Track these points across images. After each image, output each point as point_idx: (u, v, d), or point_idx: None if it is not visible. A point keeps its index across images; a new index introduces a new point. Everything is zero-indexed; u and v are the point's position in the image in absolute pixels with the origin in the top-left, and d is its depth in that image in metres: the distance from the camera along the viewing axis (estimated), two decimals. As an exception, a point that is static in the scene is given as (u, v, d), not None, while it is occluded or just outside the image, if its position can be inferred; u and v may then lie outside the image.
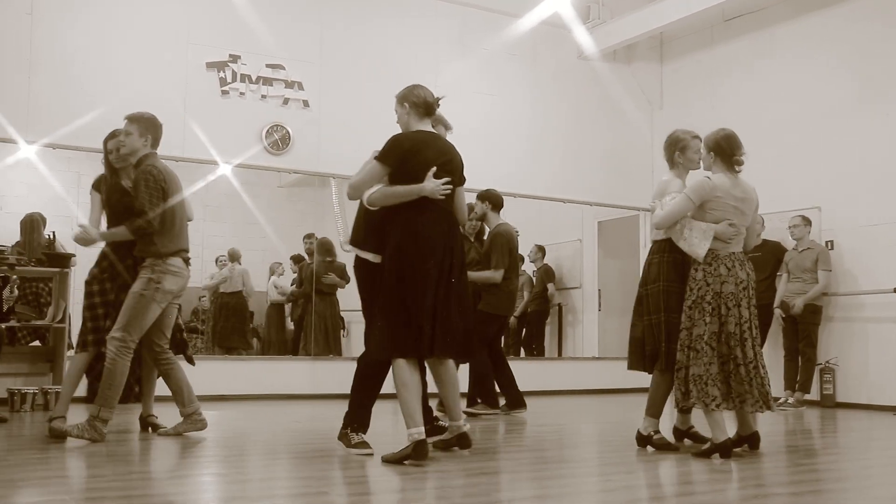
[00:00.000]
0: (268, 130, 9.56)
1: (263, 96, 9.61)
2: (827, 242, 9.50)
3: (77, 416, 5.85)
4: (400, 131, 5.16)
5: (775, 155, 10.15)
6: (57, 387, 7.59)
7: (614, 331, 12.04)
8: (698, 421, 5.74)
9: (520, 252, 8.54)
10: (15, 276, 7.11)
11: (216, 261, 12.36)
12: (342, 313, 12.74)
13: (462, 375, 8.09)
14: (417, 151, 4.94)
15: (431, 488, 4.34)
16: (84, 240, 5.75)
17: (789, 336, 9.28)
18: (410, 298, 4.78)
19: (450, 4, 10.72)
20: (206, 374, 8.99)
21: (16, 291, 7.10)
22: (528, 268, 12.48)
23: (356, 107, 9.95)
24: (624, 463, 5.09)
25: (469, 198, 8.14)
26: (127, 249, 5.74)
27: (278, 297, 12.03)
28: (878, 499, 4.28)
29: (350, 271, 11.27)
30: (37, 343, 8.28)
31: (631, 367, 5.69)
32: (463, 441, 5.12)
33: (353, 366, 5.26)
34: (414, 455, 4.70)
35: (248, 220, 12.22)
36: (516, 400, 7.85)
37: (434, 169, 4.89)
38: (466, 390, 7.83)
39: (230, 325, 11.79)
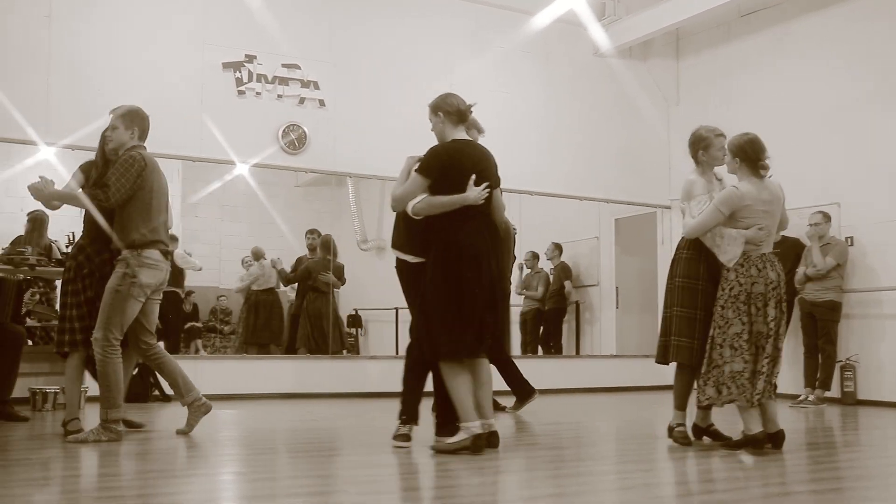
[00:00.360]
0: (284, 130, 9.57)
1: (279, 96, 9.63)
2: (847, 238, 9.44)
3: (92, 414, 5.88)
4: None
5: (794, 151, 10.08)
6: (77, 386, 7.64)
7: (632, 328, 12.02)
8: (717, 419, 5.72)
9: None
10: (40, 284, 7.15)
11: (242, 262, 12.41)
12: (360, 312, 12.78)
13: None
14: (456, 162, 5.13)
15: (449, 486, 4.34)
16: (38, 189, 5.63)
17: (809, 333, 9.23)
18: (460, 302, 4.97)
19: (464, 2, 10.70)
20: (220, 373, 9.05)
21: (37, 296, 7.15)
22: (545, 265, 12.49)
23: (372, 105, 9.96)
24: (642, 460, 5.08)
25: (513, 199, 8.15)
26: (104, 242, 5.62)
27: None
28: (899, 496, 4.25)
29: (346, 273, 11.32)
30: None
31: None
32: (493, 439, 5.19)
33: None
34: (472, 448, 4.90)
35: (265, 220, 12.28)
36: (527, 392, 7.82)
37: (474, 177, 5.07)
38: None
39: (264, 321, 11.84)
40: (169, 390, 8.41)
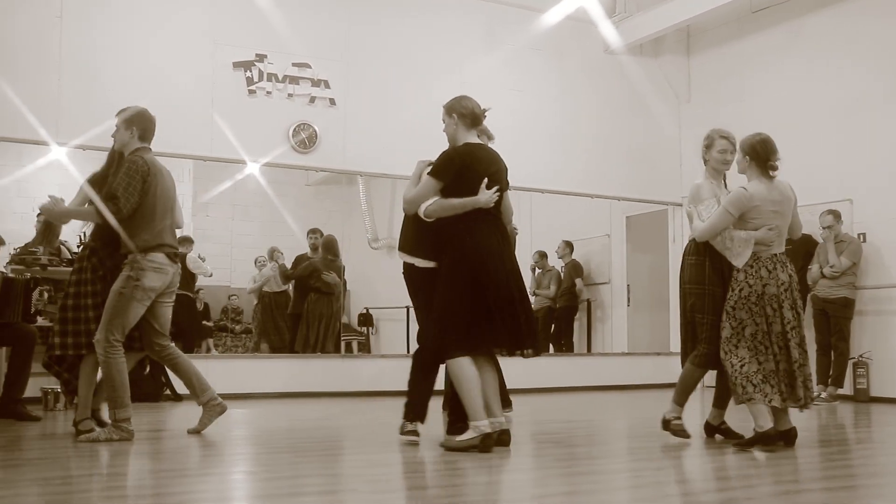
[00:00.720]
0: (295, 129, 9.58)
1: (290, 95, 9.64)
2: (859, 235, 9.40)
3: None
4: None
5: (805, 147, 10.04)
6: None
7: (643, 326, 12.00)
8: (730, 418, 5.70)
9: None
10: (48, 286, 7.18)
11: (255, 261, 12.42)
12: (371, 311, 12.78)
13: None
14: (469, 165, 5.17)
15: (461, 484, 4.34)
16: (49, 210, 5.69)
17: (821, 330, 9.19)
18: (473, 301, 5.02)
19: (475, 0, 10.69)
20: (231, 373, 9.06)
21: (45, 296, 7.17)
22: (557, 263, 12.47)
23: (383, 104, 9.96)
24: (654, 458, 5.07)
25: (524, 197, 8.14)
26: (115, 246, 5.61)
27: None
28: (913, 494, 4.23)
29: (357, 272, 11.26)
30: None
31: None
32: (503, 437, 5.19)
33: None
34: (481, 447, 4.92)
35: (275, 219, 12.30)
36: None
37: (486, 181, 5.12)
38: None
39: (276, 322, 11.84)
40: (182, 390, 8.45)
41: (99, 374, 5.71)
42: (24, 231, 8.96)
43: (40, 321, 7.60)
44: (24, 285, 6.91)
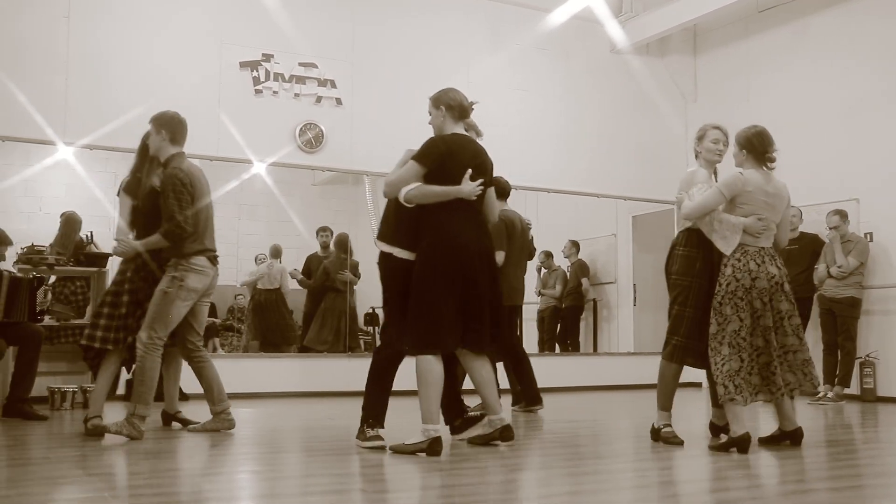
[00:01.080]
0: (301, 129, 9.60)
1: (296, 95, 9.65)
2: (866, 234, 9.38)
3: (113, 414, 5.91)
4: (432, 133, 5.24)
5: (812, 146, 10.03)
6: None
7: (650, 326, 11.98)
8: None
9: (532, 245, 8.40)
10: (50, 279, 7.20)
11: (255, 259, 12.42)
12: (377, 311, 12.76)
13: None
14: (454, 154, 5.06)
15: (467, 484, 4.34)
16: (125, 252, 5.81)
17: (828, 330, 9.17)
18: (447, 295, 4.91)
19: (481, 0, 10.70)
20: (238, 372, 9.07)
21: (49, 296, 7.19)
22: (563, 263, 12.46)
23: (389, 104, 9.96)
24: (659, 458, 5.06)
25: (530, 197, 8.14)
26: (159, 249, 5.76)
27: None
28: (919, 494, 4.22)
29: (363, 272, 11.28)
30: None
31: None
32: (506, 433, 5.18)
33: (369, 363, 5.29)
34: (429, 451, 4.83)
35: (282, 219, 12.29)
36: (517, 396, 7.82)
37: (470, 171, 5.02)
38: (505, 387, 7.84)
39: (269, 321, 11.84)
40: (187, 389, 8.46)
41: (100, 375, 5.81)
42: (31, 230, 9.00)
43: (48, 320, 7.63)
44: (30, 284, 6.93)
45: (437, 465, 4.66)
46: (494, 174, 7.96)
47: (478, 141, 5.43)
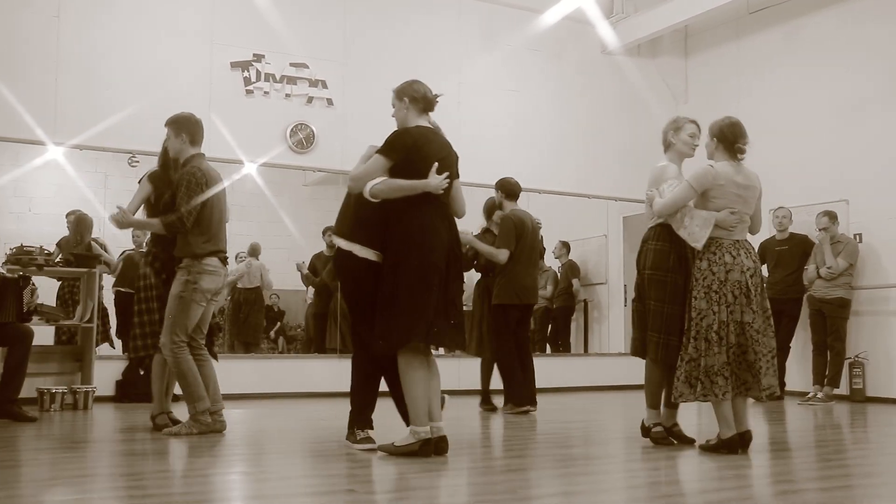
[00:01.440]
0: (292, 129, 9.59)
1: (288, 95, 9.64)
2: (855, 235, 9.41)
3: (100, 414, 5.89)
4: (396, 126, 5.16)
5: (802, 147, 10.07)
6: (86, 386, 7.67)
7: (640, 326, 11.98)
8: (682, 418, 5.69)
9: (542, 245, 8.42)
10: (32, 283, 7.19)
11: (236, 257, 12.40)
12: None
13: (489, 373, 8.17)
14: (420, 147, 4.94)
15: (458, 485, 4.34)
16: (120, 222, 5.87)
17: (817, 330, 9.20)
18: (419, 290, 4.79)
19: (473, 1, 10.70)
20: (228, 372, 9.03)
21: (37, 295, 7.17)
22: (553, 264, 12.46)
23: (380, 105, 9.82)
24: (650, 459, 5.07)
25: (521, 197, 8.18)
26: (173, 250, 5.89)
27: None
28: (909, 494, 4.23)
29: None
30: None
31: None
32: (440, 445, 4.93)
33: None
34: (420, 454, 4.77)
35: (272, 219, 12.28)
36: (528, 396, 7.81)
37: (436, 165, 4.90)
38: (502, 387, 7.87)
39: (249, 320, 11.81)
40: (177, 391, 8.45)
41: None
42: (21, 230, 8.98)
43: (37, 321, 7.59)
44: (15, 284, 6.90)
45: (428, 465, 4.65)
46: (503, 175, 8.05)
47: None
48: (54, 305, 8.39)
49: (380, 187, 4.90)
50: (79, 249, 8.18)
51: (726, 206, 5.23)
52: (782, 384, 9.39)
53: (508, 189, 8.01)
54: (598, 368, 11.26)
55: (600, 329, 12.49)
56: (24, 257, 7.53)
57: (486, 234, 8.14)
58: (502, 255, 7.67)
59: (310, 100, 9.74)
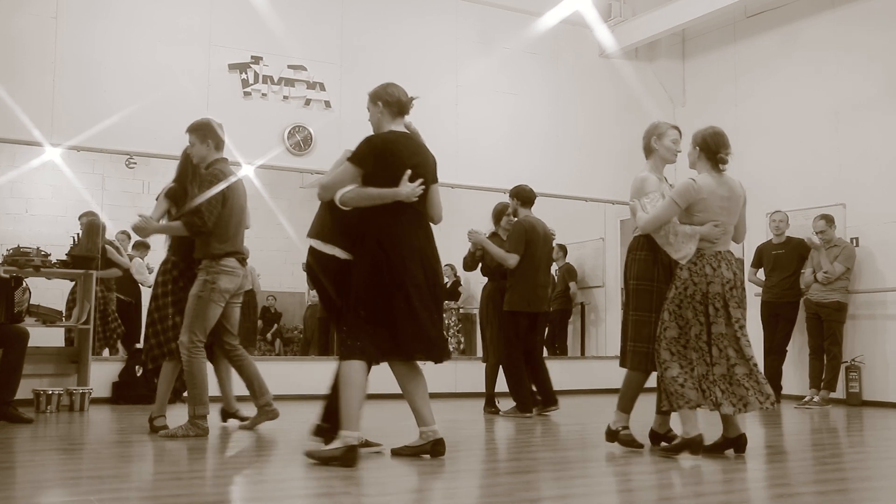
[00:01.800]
0: (290, 131, 9.59)
1: (285, 97, 9.64)
2: (852, 239, 9.42)
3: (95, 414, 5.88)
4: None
5: (799, 151, 10.09)
6: (82, 388, 7.66)
7: (637, 330, 11.98)
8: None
9: (552, 253, 8.43)
10: (25, 283, 7.17)
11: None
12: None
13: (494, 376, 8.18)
14: (391, 153, 4.86)
15: (454, 488, 4.34)
16: (142, 229, 5.96)
17: (814, 334, 9.20)
18: (390, 300, 4.73)
19: (470, 4, 10.71)
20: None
21: (28, 294, 7.16)
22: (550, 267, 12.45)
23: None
24: (647, 462, 5.06)
25: (501, 197, 8.20)
26: (192, 258, 5.97)
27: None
28: (905, 498, 4.24)
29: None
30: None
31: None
32: (437, 448, 4.90)
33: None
34: (343, 459, 4.58)
35: (269, 221, 12.24)
36: (547, 398, 7.84)
37: (409, 173, 4.81)
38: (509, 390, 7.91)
39: (244, 324, 11.76)
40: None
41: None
42: (17, 231, 8.97)
43: (33, 322, 7.58)
44: (6, 284, 6.88)
45: (425, 468, 4.65)
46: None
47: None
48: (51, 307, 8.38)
49: (350, 195, 4.85)
50: (91, 252, 8.27)
51: (710, 218, 5.21)
52: (779, 387, 9.43)
53: (524, 196, 8.05)
54: (594, 371, 11.25)
55: (597, 332, 12.49)
56: (20, 258, 7.52)
57: (493, 239, 8.19)
58: (511, 259, 7.71)
59: (307, 102, 9.74)
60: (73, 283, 8.69)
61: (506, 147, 10.66)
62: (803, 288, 9.26)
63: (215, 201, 5.76)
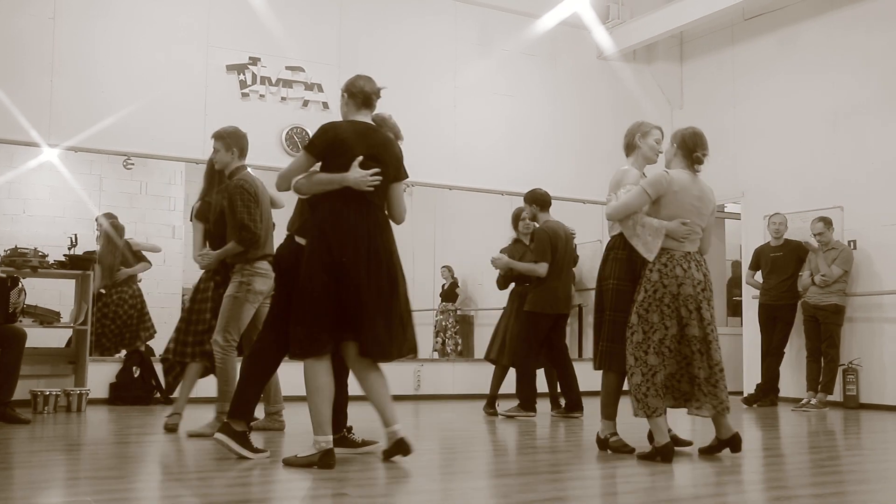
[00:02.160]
0: (288, 133, 9.58)
1: (283, 98, 9.64)
2: (850, 242, 9.43)
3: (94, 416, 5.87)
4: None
5: (797, 154, 10.09)
6: (79, 389, 7.65)
7: (635, 332, 11.97)
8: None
9: (575, 253, 8.45)
10: (21, 284, 7.17)
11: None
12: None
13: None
14: (343, 140, 4.77)
15: (450, 489, 4.34)
16: (210, 264, 6.19)
17: (811, 337, 9.21)
18: (330, 292, 4.60)
19: (469, 5, 10.71)
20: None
21: (23, 296, 7.14)
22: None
23: (376, 108, 9.92)
24: (645, 464, 5.06)
25: (499, 199, 8.18)
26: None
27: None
28: (902, 500, 4.24)
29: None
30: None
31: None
32: (401, 447, 4.77)
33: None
34: (320, 464, 4.56)
35: (268, 222, 12.24)
36: (573, 402, 7.84)
37: (360, 158, 4.71)
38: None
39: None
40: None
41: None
42: (15, 232, 8.96)
43: (30, 323, 7.57)
44: (3, 285, 6.87)
45: (422, 469, 4.65)
46: (533, 187, 8.03)
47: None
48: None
49: (301, 182, 4.82)
50: (115, 256, 8.64)
51: (678, 215, 5.16)
52: (776, 390, 9.44)
53: (541, 201, 8.07)
54: (591, 373, 11.20)
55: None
56: (18, 259, 7.51)
57: (516, 245, 8.27)
58: (541, 269, 7.76)
59: (305, 103, 9.74)
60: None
61: (504, 148, 10.67)
62: (801, 290, 9.27)
63: (253, 212, 5.90)
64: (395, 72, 10.06)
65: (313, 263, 4.64)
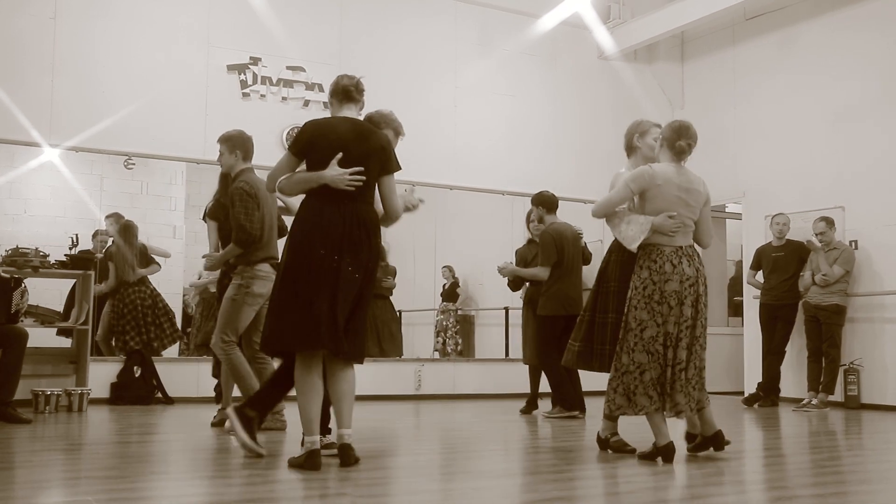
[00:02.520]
0: (288, 132, 9.57)
1: (284, 98, 9.64)
2: (851, 242, 9.42)
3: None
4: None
5: (799, 154, 10.08)
6: (80, 388, 7.65)
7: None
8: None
9: (588, 250, 8.44)
10: (23, 284, 7.17)
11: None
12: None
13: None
14: (322, 136, 4.69)
15: (453, 489, 4.34)
16: (214, 266, 6.38)
17: (812, 337, 9.21)
18: (304, 289, 4.51)
19: (469, 5, 10.71)
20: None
21: (26, 297, 7.13)
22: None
23: (376, 108, 9.91)
24: (647, 464, 5.06)
25: (499, 199, 8.18)
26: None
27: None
28: (903, 501, 4.24)
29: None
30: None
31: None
32: (343, 453, 4.61)
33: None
34: (306, 465, 4.46)
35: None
36: (575, 401, 7.82)
37: (339, 156, 4.59)
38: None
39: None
40: (172, 393, 8.46)
41: None
42: (16, 232, 8.96)
43: (31, 322, 7.57)
44: (6, 285, 6.87)
45: (423, 470, 4.65)
46: (533, 187, 8.02)
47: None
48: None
49: (283, 183, 4.76)
50: (129, 259, 8.76)
51: (665, 208, 5.06)
52: (777, 390, 9.44)
53: (547, 203, 8.09)
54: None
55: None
56: (19, 259, 7.51)
57: (530, 245, 8.33)
58: (543, 273, 7.78)
59: (306, 103, 9.73)
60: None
61: (504, 148, 10.66)
62: (802, 290, 9.26)
63: (251, 213, 5.94)
64: (396, 72, 10.07)
65: (289, 261, 4.60)
